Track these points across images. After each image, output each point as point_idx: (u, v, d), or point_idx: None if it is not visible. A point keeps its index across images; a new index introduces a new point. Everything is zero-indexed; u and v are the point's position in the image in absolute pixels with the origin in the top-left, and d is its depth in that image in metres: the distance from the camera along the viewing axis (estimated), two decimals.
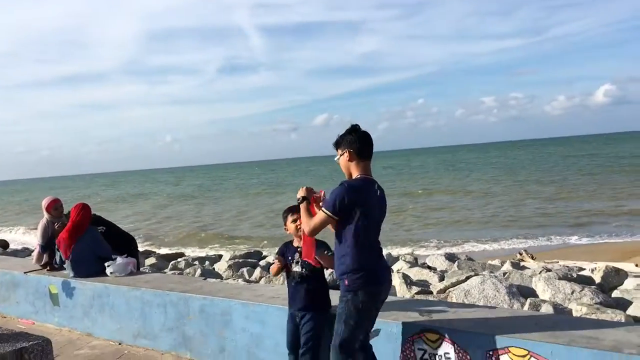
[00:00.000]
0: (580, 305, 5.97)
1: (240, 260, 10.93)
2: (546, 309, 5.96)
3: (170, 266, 11.42)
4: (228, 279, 9.89)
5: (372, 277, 3.64)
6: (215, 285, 5.85)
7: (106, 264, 6.66)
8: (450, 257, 11.62)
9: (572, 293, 6.52)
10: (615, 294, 6.98)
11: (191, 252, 19.27)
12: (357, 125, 3.79)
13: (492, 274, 7.70)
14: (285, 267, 4.49)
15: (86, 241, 6.71)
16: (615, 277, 8.66)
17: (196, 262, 11.89)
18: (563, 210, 28.05)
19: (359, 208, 3.59)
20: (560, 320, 4.00)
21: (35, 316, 7.24)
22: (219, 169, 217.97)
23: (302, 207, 3.88)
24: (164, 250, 19.18)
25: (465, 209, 31.71)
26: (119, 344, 6.14)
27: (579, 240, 20.54)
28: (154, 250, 18.46)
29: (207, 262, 11.72)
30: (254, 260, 11.40)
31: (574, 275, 8.23)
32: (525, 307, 6.28)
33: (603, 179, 42.25)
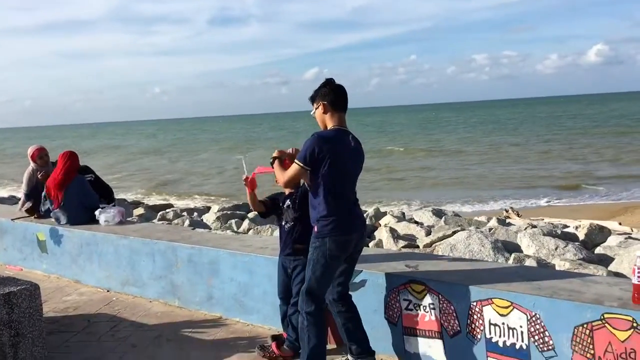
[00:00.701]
0: (564, 261, 6.07)
1: (229, 212, 10.97)
2: (530, 264, 6.07)
3: (158, 216, 11.45)
4: (216, 230, 9.94)
5: (340, 225, 3.65)
6: (203, 235, 5.88)
7: (96, 212, 6.65)
8: (438, 213, 11.73)
9: (556, 249, 6.64)
10: (599, 250, 7.10)
11: (178, 203, 19.28)
12: (331, 79, 3.81)
13: (478, 229, 7.80)
14: (275, 212, 4.52)
15: (74, 189, 6.68)
16: (599, 235, 8.80)
17: (184, 213, 11.93)
18: (550, 172, 28.30)
19: (330, 158, 3.59)
20: (544, 273, 4.07)
21: (23, 263, 7.26)
22: (206, 121, 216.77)
23: (275, 165, 3.94)
24: (152, 201, 19.23)
25: (449, 169, 31.84)
26: (107, 291, 6.19)
27: (564, 201, 20.80)
28: (142, 201, 18.45)
29: (195, 214, 11.76)
30: (242, 213, 11.45)
31: (559, 232, 8.35)
32: (510, 262, 6.38)
33: (594, 141, 42.52)
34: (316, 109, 3.79)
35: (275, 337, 4.42)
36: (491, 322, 3.59)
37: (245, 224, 9.60)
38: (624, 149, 35.71)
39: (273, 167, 3.98)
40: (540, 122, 72.14)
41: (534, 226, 8.95)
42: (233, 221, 10.10)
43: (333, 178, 3.64)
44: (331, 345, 4.42)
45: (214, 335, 4.78)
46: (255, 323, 4.94)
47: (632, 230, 10.67)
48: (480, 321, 3.63)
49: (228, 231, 9.44)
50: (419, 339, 3.96)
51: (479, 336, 3.65)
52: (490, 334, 3.60)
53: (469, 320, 3.69)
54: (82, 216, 6.75)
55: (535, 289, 3.50)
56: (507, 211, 15.35)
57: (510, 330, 3.51)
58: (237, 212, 11.45)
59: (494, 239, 6.87)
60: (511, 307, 3.50)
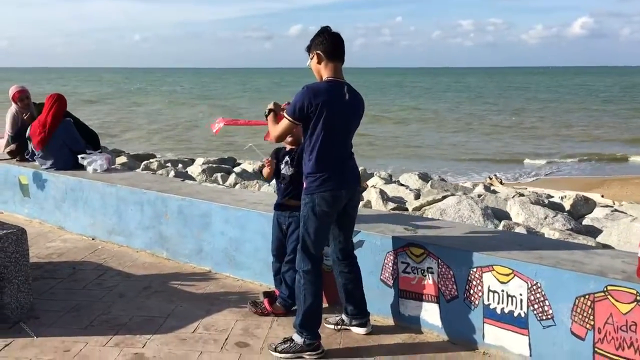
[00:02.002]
0: (553, 230, 6.10)
1: (214, 166, 10.81)
2: (519, 232, 6.07)
3: (142, 166, 11.24)
4: (201, 183, 9.79)
5: (328, 181, 3.53)
6: (193, 187, 5.75)
7: (80, 157, 6.46)
8: (424, 177, 11.71)
9: (545, 218, 6.65)
10: (585, 222, 7.15)
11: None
12: (327, 26, 3.63)
13: (467, 195, 7.79)
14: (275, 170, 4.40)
15: (60, 134, 6.47)
16: (584, 206, 8.86)
17: (168, 164, 11.74)
18: (530, 145, 28.44)
19: (320, 112, 3.44)
20: (545, 242, 4.04)
21: (4, 206, 7.08)
22: (180, 72, 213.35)
23: (269, 118, 3.79)
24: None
25: (428, 138, 31.67)
26: (92, 239, 6.06)
27: (542, 173, 20.97)
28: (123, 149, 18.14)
29: (179, 165, 11.57)
30: (227, 167, 11.29)
31: (546, 201, 8.38)
32: (499, 229, 6.38)
33: (575, 115, 42.74)
34: (311, 59, 3.63)
35: (267, 294, 4.36)
36: (490, 288, 3.56)
37: (232, 178, 9.45)
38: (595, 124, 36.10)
39: (267, 120, 3.85)
40: (517, 94, 72.23)
41: (522, 194, 8.97)
42: (219, 175, 9.95)
43: (323, 133, 3.48)
44: (324, 304, 4.39)
45: (204, 289, 4.71)
46: (245, 279, 4.87)
47: (614, 203, 10.79)
48: (479, 287, 3.60)
49: (214, 184, 9.31)
50: (414, 302, 3.93)
51: (476, 302, 3.63)
52: (488, 300, 3.58)
53: (467, 286, 3.65)
54: (67, 161, 6.56)
55: (537, 257, 3.46)
56: (490, 178, 15.42)
57: (510, 298, 3.49)
58: (223, 165, 11.30)
59: (484, 205, 6.86)
60: (512, 275, 3.46)
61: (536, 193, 10.88)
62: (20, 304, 4.07)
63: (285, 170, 4.23)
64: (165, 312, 4.26)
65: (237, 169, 10.62)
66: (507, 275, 3.48)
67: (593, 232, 6.63)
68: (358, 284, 3.86)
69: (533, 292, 3.38)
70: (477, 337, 3.64)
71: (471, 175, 19.33)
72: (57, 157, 6.49)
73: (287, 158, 4.26)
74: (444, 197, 7.42)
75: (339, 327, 3.95)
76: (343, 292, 3.87)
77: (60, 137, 6.49)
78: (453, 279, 3.72)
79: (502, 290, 3.51)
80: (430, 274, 3.82)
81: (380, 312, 4.05)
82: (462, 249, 3.69)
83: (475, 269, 3.61)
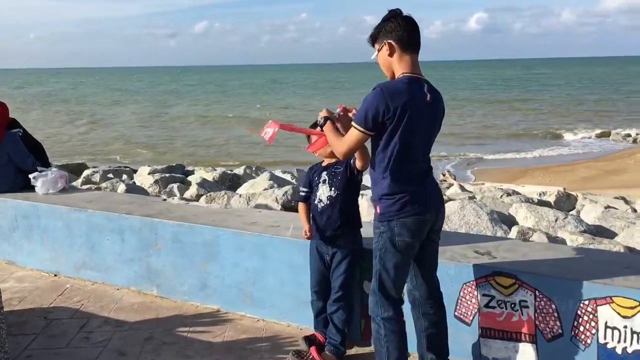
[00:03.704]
0: (574, 235, 5.66)
1: (167, 175, 9.71)
2: (539, 238, 5.59)
3: (82, 179, 9.97)
4: (156, 196, 8.74)
5: (410, 203, 2.84)
6: (184, 208, 4.83)
7: (31, 177, 5.38)
8: None
9: (556, 221, 6.22)
10: (590, 221, 6.76)
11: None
12: (397, 9, 2.90)
13: (471, 199, 7.28)
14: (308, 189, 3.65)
15: (4, 148, 5.35)
16: (566, 202, 8.58)
17: (110, 175, 10.53)
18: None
19: (399, 119, 2.74)
20: None
21: None
22: (84, 73, 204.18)
23: (327, 128, 3.04)
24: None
25: None
26: (55, 275, 5.02)
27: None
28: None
29: (124, 176, 10.37)
30: (180, 175, 10.23)
31: (535, 200, 8.02)
32: (512, 235, 5.88)
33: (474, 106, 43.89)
34: (379, 50, 2.91)
35: (309, 340, 3.58)
36: (608, 324, 2.96)
37: (193, 189, 8.44)
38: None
39: (323, 131, 3.08)
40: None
41: (509, 193, 8.59)
42: (175, 185, 8.89)
43: (402, 144, 2.79)
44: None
45: (222, 336, 3.84)
46: (267, 318, 4.05)
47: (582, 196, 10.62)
48: (593, 323, 2.99)
49: (175, 198, 8.28)
50: (501, 342, 3.27)
51: (588, 341, 3.01)
52: (605, 338, 2.97)
53: (575, 322, 3.03)
54: (14, 181, 5.46)
55: None
56: (443, 175, 15.14)
57: (636, 335, 2.90)
58: (175, 174, 10.23)
59: (489, 209, 6.34)
60: (639, 308, 2.87)
61: (501, 188, 10.57)
62: None
63: (324, 191, 3.47)
64: None
65: (194, 178, 9.60)
66: (633, 308, 2.89)
67: (604, 233, 6.26)
68: (444, 327, 3.16)
69: None
70: None
71: None
72: (3, 176, 5.37)
73: (324, 175, 3.51)
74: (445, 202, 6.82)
75: None
76: (424, 338, 3.14)
77: (4, 152, 5.37)
78: (556, 314, 3.08)
79: (625, 327, 2.92)
80: (523, 309, 3.18)
81: (456, 355, 3.35)
82: (567, 279, 3.06)
83: (586, 302, 2.99)
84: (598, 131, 29.34)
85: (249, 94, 64.90)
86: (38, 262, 5.13)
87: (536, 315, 3.14)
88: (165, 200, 5.21)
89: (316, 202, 3.53)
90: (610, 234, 6.18)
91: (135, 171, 11.85)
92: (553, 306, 3.08)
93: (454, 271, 3.34)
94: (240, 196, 7.71)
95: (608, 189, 14.24)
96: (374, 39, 2.94)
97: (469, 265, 3.30)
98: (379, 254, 2.91)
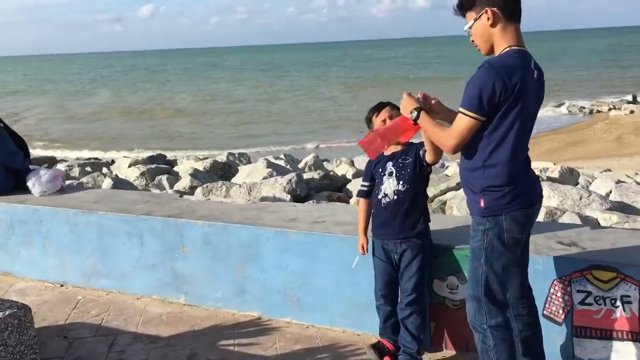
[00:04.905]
0: (607, 214, 5.44)
1: (153, 166, 9.12)
2: (570, 219, 5.35)
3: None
4: (144, 190, 8.21)
5: (523, 195, 2.52)
6: (209, 206, 4.36)
7: (28, 179, 4.83)
8: (352, 163, 10.70)
9: (580, 199, 6.00)
10: (612, 196, 6.57)
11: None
12: None
13: None
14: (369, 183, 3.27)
15: None
16: (569, 178, 8.40)
17: (88, 168, 9.88)
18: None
19: (516, 97, 2.39)
20: None
21: None
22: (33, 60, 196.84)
23: (424, 121, 2.62)
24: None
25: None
26: (61, 285, 4.52)
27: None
28: None
29: (104, 169, 9.72)
30: (165, 166, 9.64)
31: (544, 176, 7.81)
32: (539, 218, 5.62)
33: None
34: (476, 20, 2.50)
35: (378, 349, 3.20)
36: None
37: (186, 180, 7.88)
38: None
39: (417, 124, 2.68)
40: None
41: None
42: (163, 177, 8.33)
43: (515, 128, 2.44)
44: (448, 352, 3.34)
45: (273, 347, 3.45)
46: (319, 324, 3.66)
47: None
48: None
49: (169, 190, 7.76)
50: (599, 341, 2.97)
51: None
52: None
53: None
54: (4, 183, 4.91)
55: None
56: None
57: None
58: (160, 165, 9.64)
59: None
60: None
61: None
62: None
63: (390, 185, 3.10)
64: None
65: (183, 169, 9.03)
66: None
67: (629, 209, 6.07)
68: (539, 329, 2.83)
69: None
70: None
71: None
72: None
73: (390, 167, 3.13)
74: (459, 185, 6.55)
75: None
76: (519, 342, 2.81)
77: None
78: None
79: None
80: (625, 305, 2.88)
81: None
82: None
83: None
84: (554, 103, 29.42)
85: (184, 79, 61.86)
86: (40, 271, 4.62)
87: None
88: (182, 196, 4.74)
89: (380, 196, 3.15)
90: (633, 210, 5.99)
91: (113, 162, 11.21)
92: None
93: (542, 266, 3.02)
94: (240, 186, 7.26)
95: (575, 160, 14.35)
96: (465, 6, 2.54)
97: (562, 258, 2.99)
98: (485, 254, 2.56)
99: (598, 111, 26.43)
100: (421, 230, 3.13)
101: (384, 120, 3.11)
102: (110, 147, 22.75)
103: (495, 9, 2.45)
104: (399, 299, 3.21)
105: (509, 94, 2.37)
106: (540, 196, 2.65)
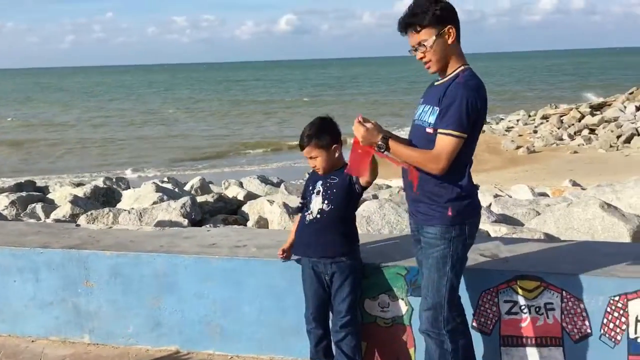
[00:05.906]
0: (496, 225, 5.73)
1: (24, 194, 8.29)
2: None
3: None
4: (16, 220, 7.44)
5: (478, 204, 2.78)
6: (113, 234, 4.04)
7: None
8: (264, 180, 10.68)
9: None
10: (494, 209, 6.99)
11: None
12: None
13: (388, 198, 7.13)
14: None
15: None
16: None
17: None
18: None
19: (481, 116, 2.58)
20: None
21: None
22: None
23: (396, 148, 2.61)
24: None
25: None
26: None
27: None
28: None
29: None
30: (37, 194, 8.81)
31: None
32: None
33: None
34: (437, 36, 2.52)
35: None
36: (639, 318, 2.92)
37: (66, 208, 7.26)
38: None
39: (387, 156, 2.66)
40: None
41: None
42: (37, 206, 7.58)
43: (474, 143, 2.65)
44: None
45: None
46: (244, 354, 3.49)
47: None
48: (623, 319, 2.93)
49: (32, 220, 7.06)
50: (523, 349, 3.10)
51: (618, 337, 2.95)
52: (636, 333, 2.93)
53: (605, 320, 2.95)
54: None
55: None
56: None
57: None
58: (31, 192, 8.79)
59: (406, 207, 6.25)
60: None
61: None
62: None
63: (315, 203, 3.07)
64: None
65: (61, 195, 8.31)
66: None
67: (510, 220, 6.49)
68: (471, 347, 2.91)
69: None
70: None
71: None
72: None
73: (319, 186, 3.10)
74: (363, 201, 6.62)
75: None
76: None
77: None
78: (584, 313, 2.98)
79: None
80: (549, 312, 3.03)
81: None
82: (598, 275, 2.97)
83: (617, 297, 2.92)
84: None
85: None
86: None
87: (563, 317, 3.01)
88: (78, 225, 4.34)
89: (306, 213, 3.10)
90: (514, 222, 6.43)
91: None
92: (582, 305, 2.97)
93: (470, 279, 3.09)
94: (129, 212, 6.82)
95: None
96: (429, 22, 2.51)
97: (488, 271, 3.09)
98: (451, 261, 2.63)
99: None
100: (345, 251, 3.08)
101: (311, 158, 3.07)
102: None
103: (454, 27, 2.52)
104: (331, 321, 3.15)
105: (482, 112, 2.51)
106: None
